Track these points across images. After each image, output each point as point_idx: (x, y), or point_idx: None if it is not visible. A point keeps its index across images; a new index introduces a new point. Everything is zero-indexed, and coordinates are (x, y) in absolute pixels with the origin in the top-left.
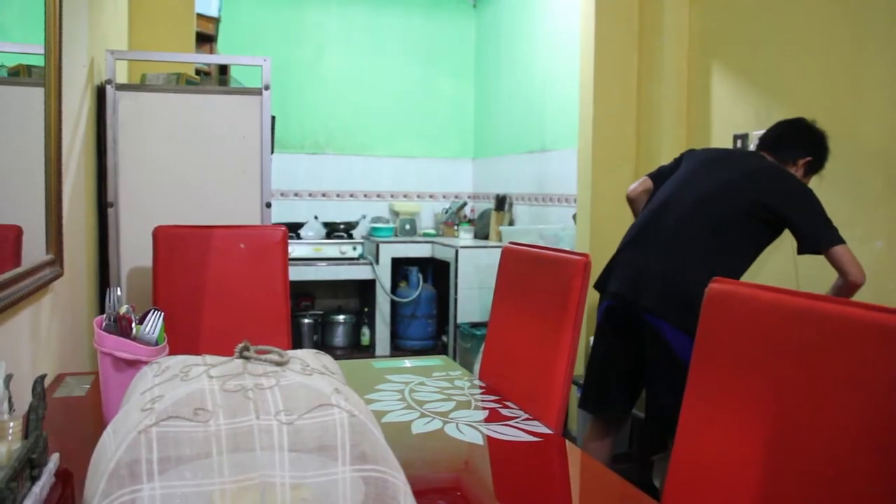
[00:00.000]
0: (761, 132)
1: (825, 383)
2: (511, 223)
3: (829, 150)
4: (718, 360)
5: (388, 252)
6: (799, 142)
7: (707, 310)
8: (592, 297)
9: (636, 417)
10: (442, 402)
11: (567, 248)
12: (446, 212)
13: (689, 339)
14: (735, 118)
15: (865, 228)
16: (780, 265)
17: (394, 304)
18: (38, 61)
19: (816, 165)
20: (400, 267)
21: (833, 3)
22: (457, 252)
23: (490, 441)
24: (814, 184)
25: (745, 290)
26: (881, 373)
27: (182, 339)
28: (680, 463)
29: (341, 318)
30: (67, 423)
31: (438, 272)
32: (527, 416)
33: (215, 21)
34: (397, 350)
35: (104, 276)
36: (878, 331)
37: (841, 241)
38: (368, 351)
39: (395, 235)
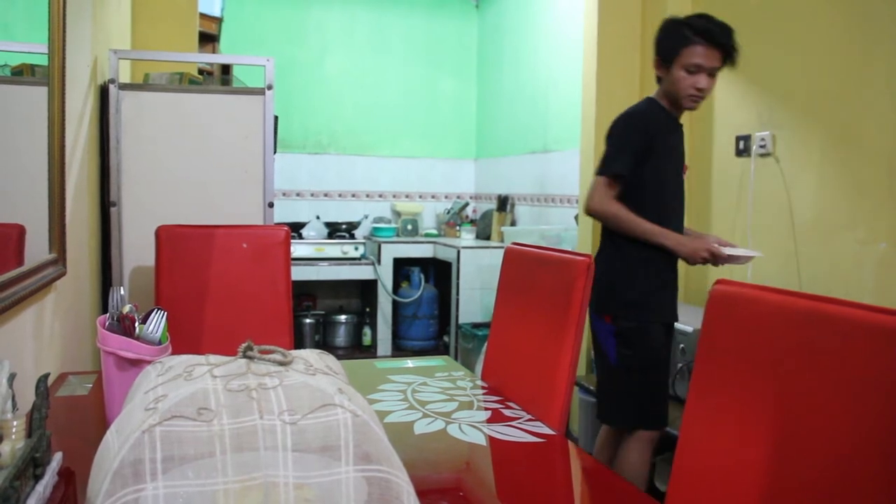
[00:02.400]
0: (764, 133)
1: (829, 385)
2: (513, 224)
3: (667, 28)
4: (722, 362)
5: (390, 252)
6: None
7: (710, 311)
8: None
9: None
10: (444, 402)
11: (569, 249)
12: (448, 212)
13: (609, 329)
14: (737, 119)
15: (869, 230)
16: (783, 265)
17: (395, 305)
18: (42, 60)
19: (664, 55)
20: (402, 267)
21: (836, 4)
22: (458, 252)
23: (492, 442)
24: (817, 180)
25: (749, 292)
26: (885, 375)
27: (184, 339)
28: (683, 464)
29: (343, 318)
30: (70, 423)
31: (440, 272)
32: (529, 416)
33: (218, 21)
34: (399, 350)
35: (107, 276)
36: (882, 332)
37: (604, 172)
38: (370, 351)
39: (397, 236)
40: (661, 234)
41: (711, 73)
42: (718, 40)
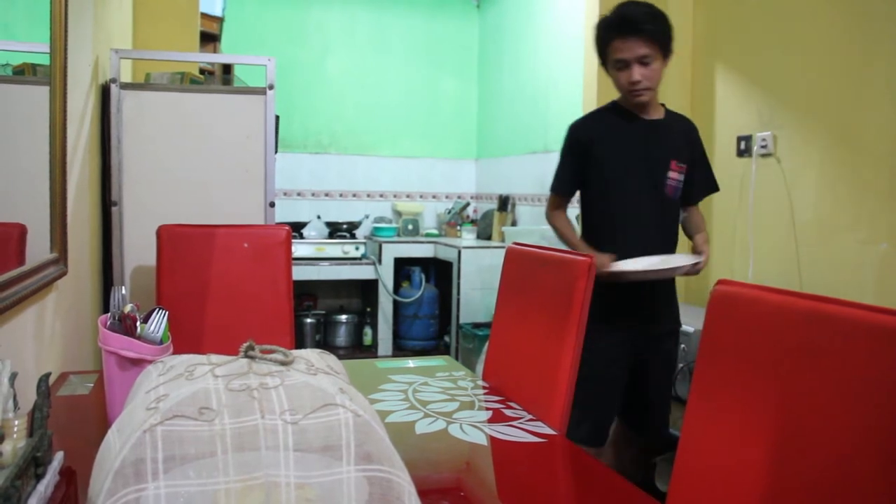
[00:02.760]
0: (765, 133)
1: (830, 385)
2: (514, 224)
3: (594, 30)
4: (723, 362)
5: (391, 252)
6: None
7: (711, 311)
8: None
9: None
10: (445, 402)
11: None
12: (449, 212)
13: None
14: (738, 120)
15: (870, 230)
16: (784, 266)
17: (396, 304)
18: (43, 60)
19: (599, 58)
20: (402, 267)
21: (837, 5)
22: (459, 252)
23: (493, 442)
24: (818, 180)
25: (750, 292)
26: (886, 375)
27: (185, 338)
28: (684, 464)
29: (343, 317)
30: (71, 422)
31: (441, 272)
32: (530, 416)
33: (219, 20)
34: (399, 350)
35: (108, 275)
36: (883, 333)
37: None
38: (371, 351)
39: (398, 235)
40: (576, 247)
41: (644, 62)
42: (633, 28)
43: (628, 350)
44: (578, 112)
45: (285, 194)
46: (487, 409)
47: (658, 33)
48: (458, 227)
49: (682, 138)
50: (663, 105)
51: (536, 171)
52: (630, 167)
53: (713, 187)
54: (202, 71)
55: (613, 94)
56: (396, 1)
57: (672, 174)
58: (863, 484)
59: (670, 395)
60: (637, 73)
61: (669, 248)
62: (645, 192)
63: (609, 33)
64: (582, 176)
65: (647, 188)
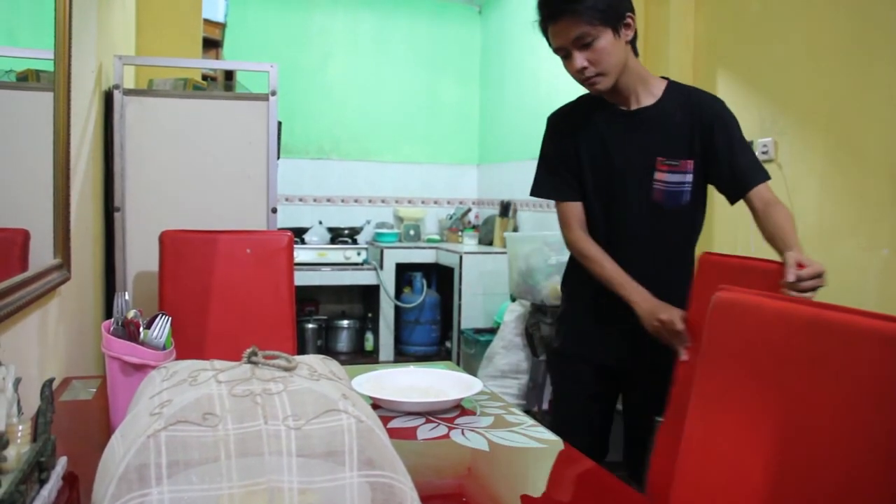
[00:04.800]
0: (766, 139)
1: (831, 392)
2: (515, 229)
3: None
4: (724, 368)
5: (393, 257)
6: None
7: (713, 317)
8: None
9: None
10: (447, 408)
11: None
12: (450, 217)
13: None
14: (741, 124)
15: (871, 236)
16: None
17: (397, 310)
18: (47, 66)
19: (550, 45)
20: (404, 272)
21: (839, 10)
22: (461, 258)
23: (495, 447)
24: (819, 186)
25: (752, 298)
26: (888, 382)
27: (188, 344)
28: (685, 471)
29: (345, 323)
30: (74, 427)
31: (442, 278)
32: (532, 422)
33: (222, 26)
34: (401, 355)
35: (111, 281)
36: (884, 339)
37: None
38: (372, 356)
39: (400, 241)
40: (623, 287)
41: (583, 45)
42: (557, 9)
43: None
44: None
45: (287, 200)
46: (489, 414)
47: (589, 6)
48: (460, 233)
49: (685, 125)
50: (668, 80)
51: None
52: (604, 171)
53: (760, 175)
54: (205, 77)
55: None
56: (398, 7)
57: (660, 175)
58: (865, 491)
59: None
60: (579, 59)
61: (676, 268)
62: (627, 201)
63: (543, 23)
64: (574, 174)
65: (631, 196)
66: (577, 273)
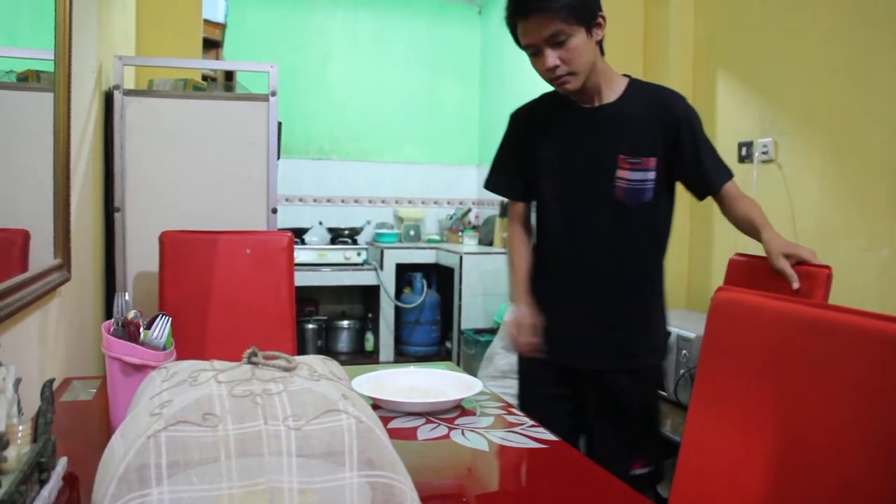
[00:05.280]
0: (766, 140)
1: (831, 392)
2: None
3: (507, 8)
4: (724, 368)
5: (393, 258)
6: None
7: (713, 317)
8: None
9: None
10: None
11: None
12: (451, 218)
13: None
14: (740, 126)
15: (871, 236)
16: None
17: (398, 310)
18: (47, 66)
19: (518, 43)
20: (404, 273)
21: (839, 12)
22: (461, 258)
23: (495, 447)
24: (819, 186)
25: (752, 299)
26: (887, 382)
27: (188, 344)
28: (685, 470)
29: (345, 323)
30: (74, 427)
31: (442, 278)
32: (532, 422)
33: (222, 27)
34: (401, 356)
35: (111, 281)
36: (884, 340)
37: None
38: (372, 357)
39: (400, 241)
40: (513, 290)
41: (555, 44)
42: (530, 5)
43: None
44: None
45: (287, 200)
46: (489, 415)
47: (565, 3)
48: (460, 233)
49: (648, 122)
50: (630, 78)
51: None
52: (564, 169)
53: (724, 174)
54: (205, 77)
55: None
56: (398, 7)
57: (622, 173)
58: (865, 491)
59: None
60: (551, 57)
61: (640, 268)
62: (588, 200)
63: (513, 18)
64: (524, 173)
65: (592, 195)
66: (535, 272)
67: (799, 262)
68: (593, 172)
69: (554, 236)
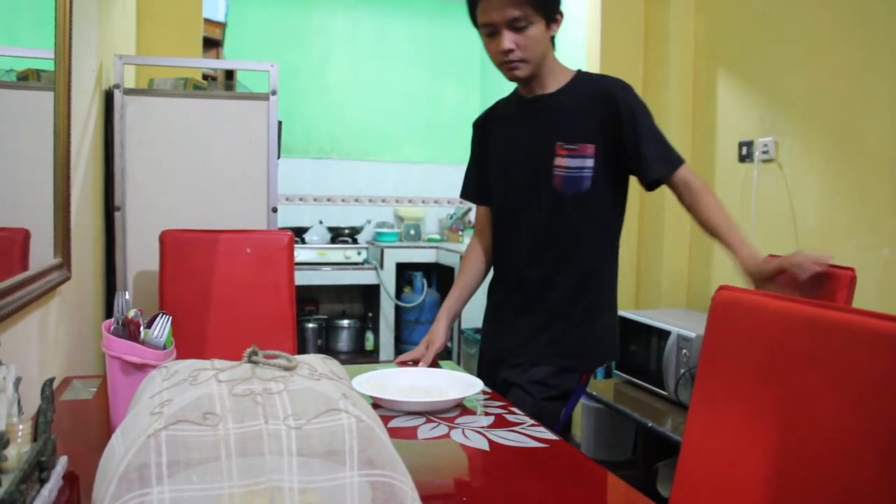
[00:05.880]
0: (767, 139)
1: (832, 391)
2: None
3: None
4: (725, 367)
5: (393, 257)
6: None
7: (713, 317)
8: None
9: (640, 424)
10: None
11: None
12: (451, 217)
13: None
14: (741, 125)
15: (871, 236)
16: None
17: (398, 309)
18: (47, 65)
19: (473, 19)
20: (404, 272)
21: (839, 11)
22: (461, 258)
23: (495, 447)
24: (820, 186)
25: (752, 298)
26: (888, 381)
27: (188, 343)
28: (686, 470)
29: (345, 322)
30: (75, 426)
31: (443, 277)
32: (532, 422)
33: (222, 26)
34: (401, 355)
35: (111, 280)
36: (885, 339)
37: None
38: (372, 356)
39: (400, 240)
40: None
41: (515, 28)
42: None
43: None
44: None
45: (287, 199)
46: (489, 414)
47: None
48: (460, 233)
49: (588, 110)
50: (578, 71)
51: None
52: (506, 163)
53: (669, 163)
54: (205, 76)
55: None
56: (398, 7)
57: (559, 161)
58: (865, 491)
59: None
60: (508, 40)
61: (581, 259)
62: (526, 191)
63: None
64: (485, 177)
65: (532, 185)
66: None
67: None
68: (532, 161)
69: (499, 230)
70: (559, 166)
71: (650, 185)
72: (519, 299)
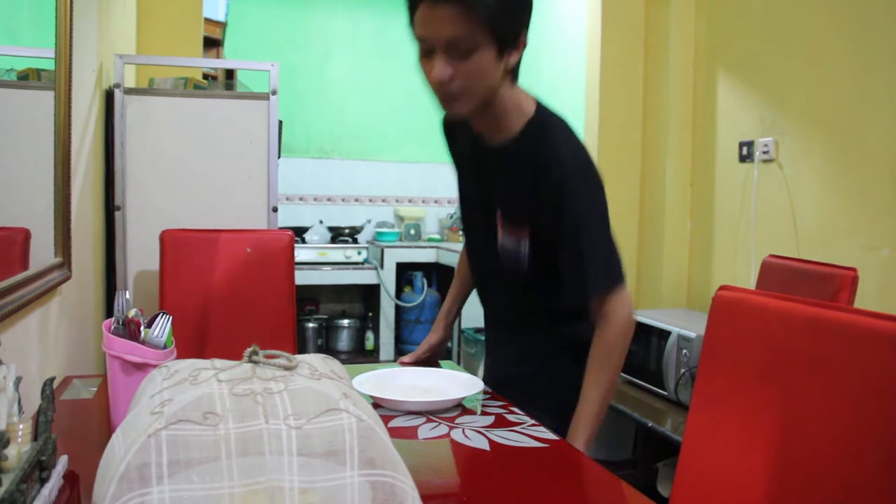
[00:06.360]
0: (767, 139)
1: (833, 391)
2: None
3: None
4: (725, 367)
5: (393, 257)
6: None
7: (714, 317)
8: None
9: (640, 424)
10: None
11: None
12: (451, 217)
13: None
14: (741, 125)
15: (872, 236)
16: None
17: (398, 309)
18: (47, 65)
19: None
20: (404, 272)
21: (839, 11)
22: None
23: (496, 446)
24: (820, 186)
25: (753, 298)
26: (888, 381)
27: (189, 343)
28: (687, 470)
29: (345, 322)
30: (75, 426)
31: (443, 277)
32: (532, 421)
33: (222, 25)
34: (401, 355)
35: (111, 280)
36: (885, 339)
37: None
38: (372, 356)
39: (400, 240)
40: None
41: (455, 51)
42: None
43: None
44: (580, 118)
45: (288, 199)
46: (490, 414)
47: (485, 5)
48: (461, 232)
49: (525, 182)
50: (536, 109)
51: None
52: (465, 199)
53: (584, 288)
54: (205, 76)
55: (616, 100)
56: (398, 6)
57: (500, 231)
58: (865, 491)
59: None
60: (442, 66)
61: (546, 309)
62: (483, 243)
63: None
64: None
65: (485, 240)
66: None
67: None
68: (482, 215)
69: (479, 291)
70: (501, 240)
71: (571, 302)
72: (502, 331)
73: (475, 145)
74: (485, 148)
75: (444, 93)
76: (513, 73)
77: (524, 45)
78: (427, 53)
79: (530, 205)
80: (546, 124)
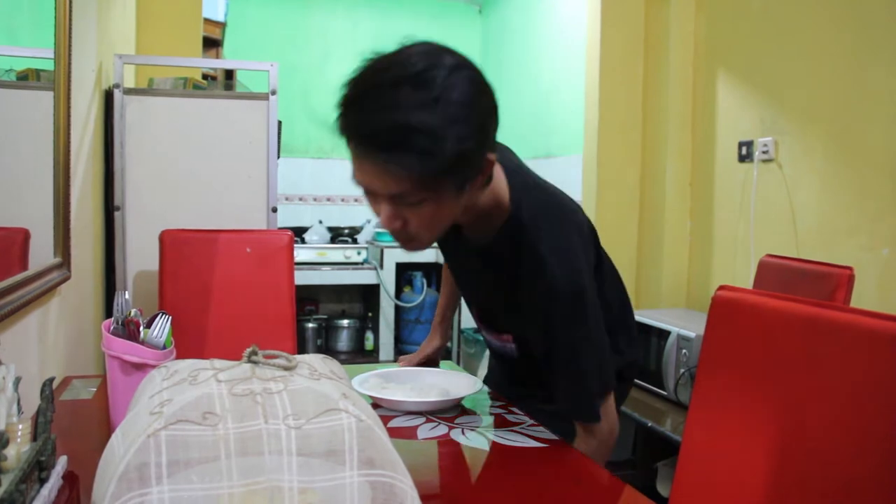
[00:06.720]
0: (766, 139)
1: (832, 391)
2: None
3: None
4: (724, 367)
5: (393, 257)
6: None
7: (713, 316)
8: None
9: (640, 424)
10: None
11: None
12: None
13: None
14: (741, 125)
15: (871, 236)
16: None
17: (398, 309)
18: (47, 65)
19: None
20: (404, 272)
21: (839, 11)
22: None
23: (496, 447)
24: (819, 185)
25: (752, 298)
26: (888, 381)
27: (188, 343)
28: (686, 470)
29: (345, 322)
30: (74, 426)
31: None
32: (532, 421)
33: (222, 26)
34: (401, 355)
35: (111, 280)
36: (884, 339)
37: None
38: (372, 356)
39: None
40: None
41: (400, 203)
42: (366, 143)
43: None
44: (580, 118)
45: (287, 199)
46: (490, 414)
47: (438, 160)
48: None
49: (509, 285)
50: (510, 215)
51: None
52: (471, 293)
53: (573, 414)
54: (205, 76)
55: (616, 100)
56: (398, 6)
57: (483, 332)
58: (865, 491)
59: None
60: (392, 214)
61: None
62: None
63: (343, 133)
64: None
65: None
66: None
67: None
68: (466, 291)
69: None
70: (484, 333)
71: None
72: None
73: (457, 237)
74: (467, 243)
75: (396, 235)
76: (485, 181)
77: (490, 164)
78: (367, 193)
79: (514, 319)
80: (523, 222)
